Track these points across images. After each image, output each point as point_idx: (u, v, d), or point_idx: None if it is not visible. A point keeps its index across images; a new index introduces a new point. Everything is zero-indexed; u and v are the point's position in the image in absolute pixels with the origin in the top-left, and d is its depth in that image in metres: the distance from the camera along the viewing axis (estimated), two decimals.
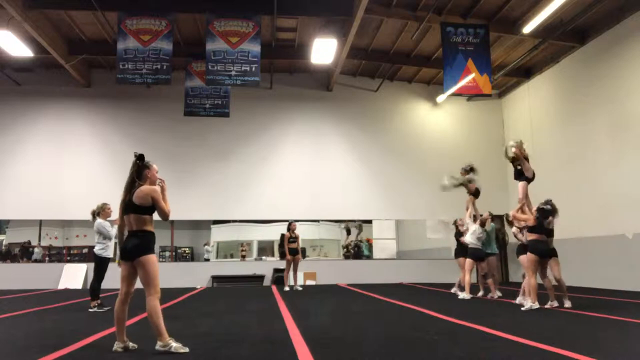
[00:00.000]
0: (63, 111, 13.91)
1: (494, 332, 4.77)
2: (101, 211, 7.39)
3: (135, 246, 3.96)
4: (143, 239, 3.98)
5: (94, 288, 7.22)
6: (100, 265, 7.24)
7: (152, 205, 4.02)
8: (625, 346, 4.32)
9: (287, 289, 10.82)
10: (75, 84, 13.84)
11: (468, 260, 8.71)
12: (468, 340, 4.48)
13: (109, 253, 7.39)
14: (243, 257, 15.28)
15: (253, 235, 14.01)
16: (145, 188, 4.04)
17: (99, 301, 7.15)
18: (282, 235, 11.47)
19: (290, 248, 10.92)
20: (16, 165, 13.49)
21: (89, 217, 7.46)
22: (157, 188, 4.11)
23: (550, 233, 6.93)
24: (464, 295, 8.50)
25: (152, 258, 3.98)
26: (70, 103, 13.97)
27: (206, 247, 16.43)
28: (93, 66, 14.09)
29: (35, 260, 14.58)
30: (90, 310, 7.06)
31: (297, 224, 11.51)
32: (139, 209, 4.00)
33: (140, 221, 4.01)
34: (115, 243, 7.98)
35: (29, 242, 14.63)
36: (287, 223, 11.41)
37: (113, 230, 7.25)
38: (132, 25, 10.67)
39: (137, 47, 10.64)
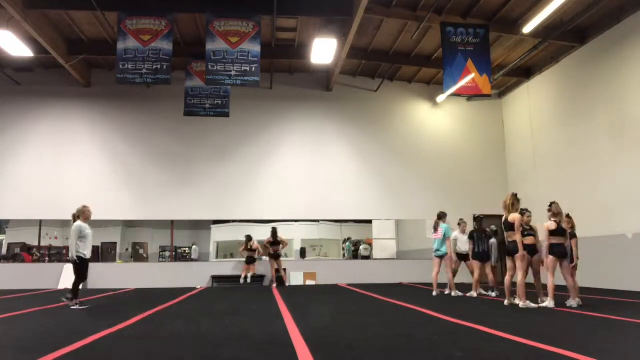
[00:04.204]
0: (63, 111, 13.91)
1: (494, 332, 4.77)
2: (81, 214, 7.63)
3: None
4: None
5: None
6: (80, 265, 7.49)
7: None
8: (625, 346, 4.32)
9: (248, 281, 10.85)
10: (75, 84, 13.84)
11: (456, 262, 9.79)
12: (468, 340, 4.48)
13: (86, 253, 7.56)
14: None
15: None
16: None
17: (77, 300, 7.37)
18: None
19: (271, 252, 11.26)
20: (16, 165, 13.50)
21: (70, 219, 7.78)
22: None
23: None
24: (451, 293, 9.38)
25: None
26: (70, 103, 13.97)
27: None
28: (93, 66, 14.09)
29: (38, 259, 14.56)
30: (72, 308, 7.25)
31: (296, 224, 11.57)
32: None
33: None
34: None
35: (27, 244, 14.64)
36: (287, 223, 11.45)
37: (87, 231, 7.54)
38: (132, 25, 10.67)
39: (137, 47, 10.64)
